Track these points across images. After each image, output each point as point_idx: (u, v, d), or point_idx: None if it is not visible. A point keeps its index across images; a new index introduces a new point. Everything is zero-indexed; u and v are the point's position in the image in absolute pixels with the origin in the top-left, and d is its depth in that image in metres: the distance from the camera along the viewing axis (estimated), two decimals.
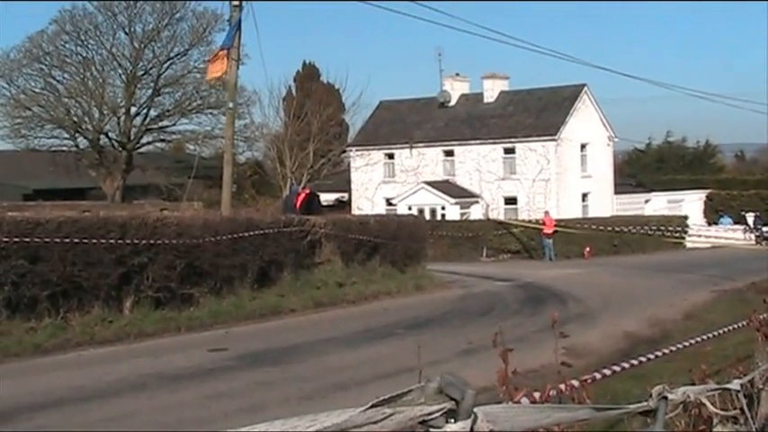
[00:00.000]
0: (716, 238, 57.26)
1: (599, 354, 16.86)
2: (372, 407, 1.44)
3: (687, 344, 16.23)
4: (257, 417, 9.06)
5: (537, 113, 59.81)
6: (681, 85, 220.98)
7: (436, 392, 1.56)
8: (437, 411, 1.55)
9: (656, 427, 2.54)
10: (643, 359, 16.43)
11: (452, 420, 1.57)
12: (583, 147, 61.11)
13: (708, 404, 2.86)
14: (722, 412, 3.05)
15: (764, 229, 62.73)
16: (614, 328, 21.45)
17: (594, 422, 2.19)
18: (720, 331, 17.54)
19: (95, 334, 18.97)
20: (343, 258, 28.42)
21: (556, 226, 48.53)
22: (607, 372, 8.80)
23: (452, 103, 64.34)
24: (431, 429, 1.58)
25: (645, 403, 2.54)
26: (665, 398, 2.55)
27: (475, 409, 1.60)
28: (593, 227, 50.04)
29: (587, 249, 49.04)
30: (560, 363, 6.44)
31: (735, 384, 3.07)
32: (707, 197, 70.93)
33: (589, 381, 4.85)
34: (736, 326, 18.40)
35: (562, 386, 5.52)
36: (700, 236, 57.07)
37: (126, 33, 58.22)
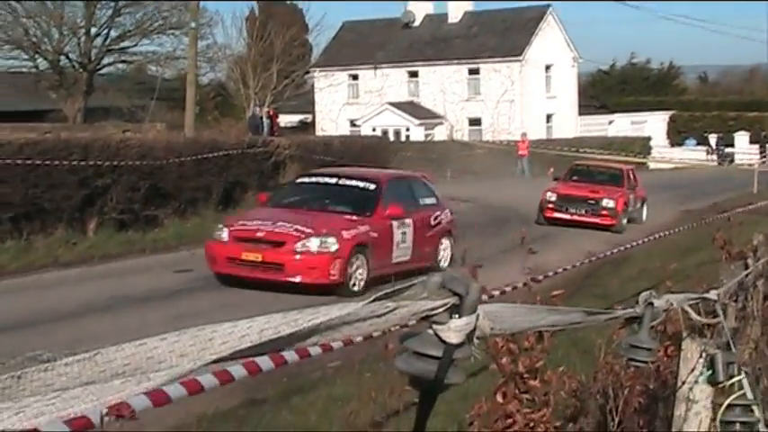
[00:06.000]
0: (679, 159, 57.65)
1: (563, 273, 16.96)
2: (375, 300, 1.41)
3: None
4: None
5: (501, 34, 59.56)
6: (646, 5, 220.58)
7: (439, 287, 1.53)
8: (441, 306, 1.52)
9: (641, 334, 2.54)
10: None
11: (456, 316, 1.55)
12: (547, 68, 61.06)
13: (691, 312, 2.87)
14: (705, 320, 3.07)
15: (726, 150, 63.27)
16: (577, 248, 21.59)
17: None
18: (662, 234, 17.80)
19: (59, 256, 18.85)
20: None
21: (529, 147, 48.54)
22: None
23: (416, 23, 63.93)
24: (434, 325, 1.55)
25: (632, 309, 2.54)
26: (651, 304, 2.55)
27: None
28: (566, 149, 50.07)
29: (551, 171, 49.14)
30: (530, 279, 6.50)
31: (712, 294, 3.09)
32: (670, 118, 71.22)
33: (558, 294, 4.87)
34: (678, 229, 18.72)
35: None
36: (663, 157, 57.43)
37: None
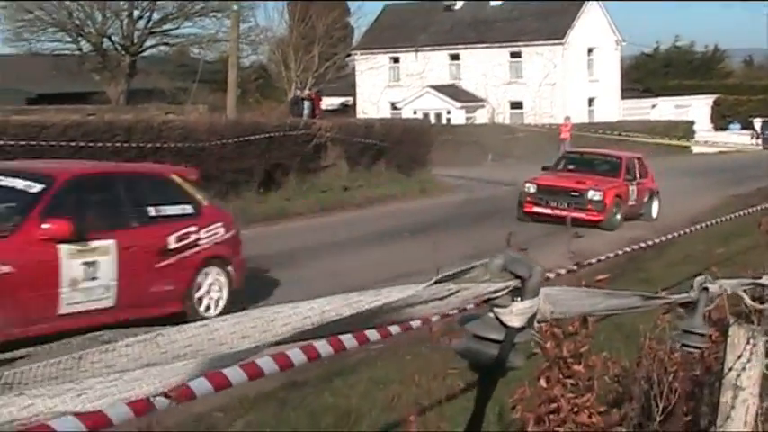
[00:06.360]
0: (723, 143, 57.07)
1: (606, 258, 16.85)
2: (436, 282, 1.41)
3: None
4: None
5: (543, 17, 59.25)
6: None
7: (500, 270, 1.52)
8: (503, 289, 1.51)
9: (695, 319, 2.51)
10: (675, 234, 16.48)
11: (518, 299, 1.53)
12: (590, 51, 60.70)
13: (746, 298, 2.85)
14: (758, 306, 3.05)
15: None
16: (620, 233, 21.50)
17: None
18: (709, 223, 17.57)
19: None
20: (348, 162, 28.46)
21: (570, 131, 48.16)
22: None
23: (458, 6, 63.75)
24: (495, 308, 1.54)
25: (686, 294, 2.52)
26: (706, 289, 2.53)
27: None
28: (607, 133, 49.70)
29: None
30: (575, 263, 6.49)
31: (765, 280, 3.07)
32: (714, 102, 70.54)
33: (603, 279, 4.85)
34: (729, 217, 18.45)
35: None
36: (706, 141, 56.88)
37: None
